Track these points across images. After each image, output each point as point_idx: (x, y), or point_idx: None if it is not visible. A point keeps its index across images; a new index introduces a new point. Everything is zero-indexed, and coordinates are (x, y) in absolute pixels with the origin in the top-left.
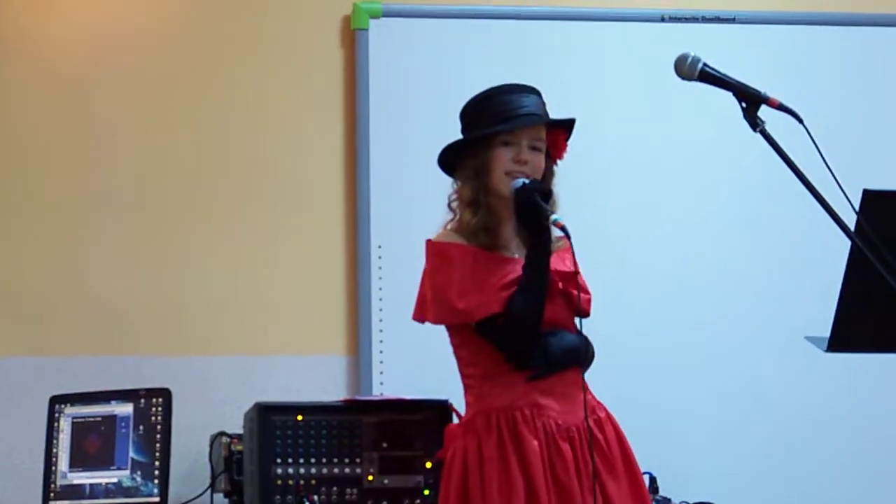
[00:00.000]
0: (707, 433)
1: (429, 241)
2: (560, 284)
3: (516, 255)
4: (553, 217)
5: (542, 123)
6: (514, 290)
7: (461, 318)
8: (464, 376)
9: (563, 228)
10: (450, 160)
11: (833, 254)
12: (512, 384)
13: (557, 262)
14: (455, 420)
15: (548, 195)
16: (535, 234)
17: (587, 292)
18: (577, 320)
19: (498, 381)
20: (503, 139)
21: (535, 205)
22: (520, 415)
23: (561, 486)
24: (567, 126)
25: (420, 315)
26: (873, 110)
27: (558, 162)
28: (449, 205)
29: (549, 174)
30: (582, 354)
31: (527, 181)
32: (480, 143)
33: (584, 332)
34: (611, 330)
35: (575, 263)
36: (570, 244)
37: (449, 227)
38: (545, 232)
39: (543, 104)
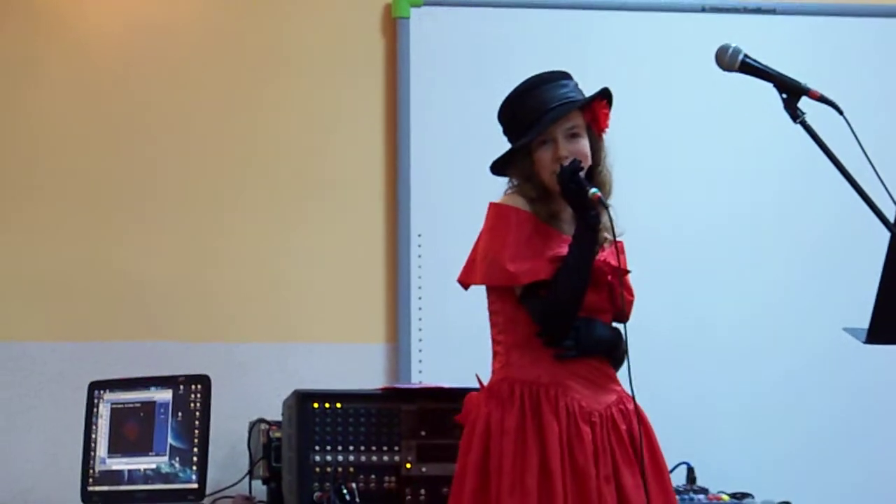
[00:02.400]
0: (745, 424)
1: (492, 203)
2: (609, 277)
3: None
4: (592, 190)
5: (570, 112)
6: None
7: (508, 280)
8: (494, 343)
9: (599, 200)
10: (498, 166)
11: (872, 246)
12: (539, 359)
13: (612, 256)
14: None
15: (588, 172)
16: (579, 213)
17: (631, 294)
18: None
19: (526, 353)
20: (541, 139)
21: (574, 184)
22: (544, 392)
23: (577, 468)
24: (601, 98)
25: (466, 276)
26: None
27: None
28: (517, 190)
29: (597, 151)
30: (613, 348)
31: (565, 164)
32: (522, 150)
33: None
34: (651, 322)
35: (621, 262)
36: (616, 245)
37: (518, 191)
38: (589, 209)
39: (573, 86)
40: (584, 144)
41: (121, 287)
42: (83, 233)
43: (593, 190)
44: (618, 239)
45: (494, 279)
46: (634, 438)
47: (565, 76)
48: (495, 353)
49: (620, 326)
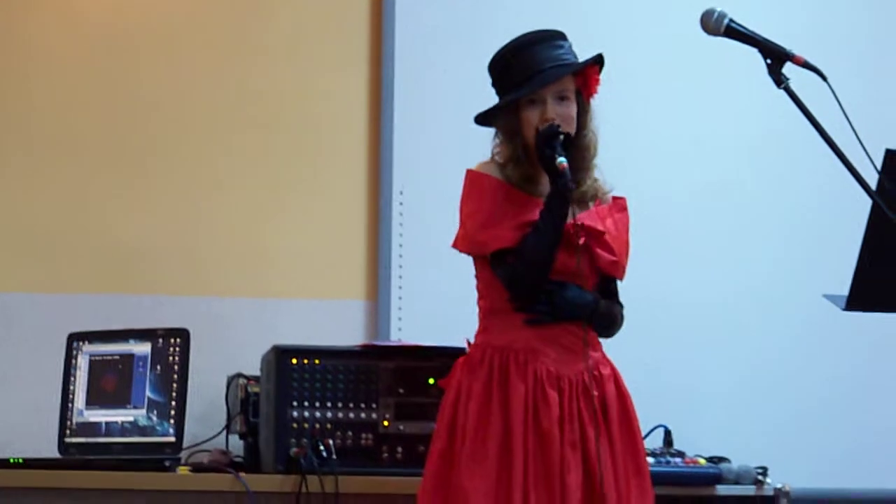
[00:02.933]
0: (723, 389)
1: (468, 170)
2: (582, 239)
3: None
4: (559, 159)
5: (563, 76)
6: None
7: (477, 249)
8: (478, 309)
9: (563, 172)
10: (484, 118)
11: (858, 217)
12: (512, 325)
13: (591, 218)
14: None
15: (566, 139)
16: (551, 178)
17: (613, 254)
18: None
19: (500, 319)
20: (528, 98)
21: (548, 148)
22: (513, 356)
23: (542, 432)
24: (594, 63)
25: (455, 242)
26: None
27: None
28: (493, 157)
29: (584, 114)
30: (589, 312)
31: (543, 127)
32: (509, 106)
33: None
34: (633, 288)
35: (616, 224)
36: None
37: (493, 159)
38: (560, 176)
39: (568, 47)
40: (572, 108)
41: (102, 240)
42: (66, 185)
43: (560, 159)
44: (617, 196)
45: (466, 247)
46: (606, 405)
47: (561, 36)
48: (478, 320)
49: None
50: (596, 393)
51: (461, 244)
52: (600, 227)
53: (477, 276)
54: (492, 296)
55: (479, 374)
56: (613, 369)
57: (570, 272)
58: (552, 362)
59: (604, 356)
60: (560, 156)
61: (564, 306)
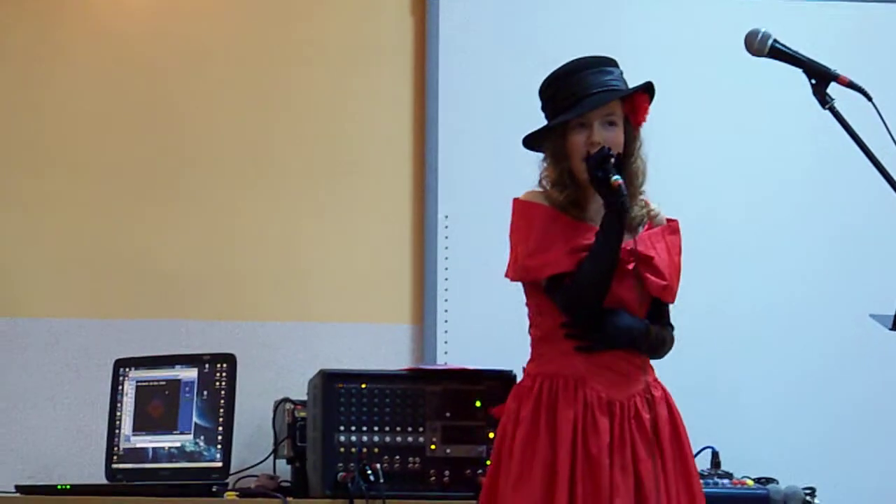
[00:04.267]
0: (770, 409)
1: (515, 199)
2: (630, 265)
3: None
4: (614, 177)
5: (610, 100)
6: (586, 254)
7: (529, 275)
8: (530, 337)
9: (620, 187)
10: (531, 140)
11: None
12: (563, 352)
13: (641, 243)
14: None
15: (618, 160)
16: (606, 200)
17: (663, 278)
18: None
19: (552, 346)
20: (577, 121)
21: (600, 170)
22: (562, 382)
23: (591, 459)
24: (643, 90)
25: (507, 272)
26: None
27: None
28: (540, 181)
29: (632, 141)
30: (640, 339)
31: (595, 150)
32: (557, 129)
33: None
34: (679, 308)
35: (668, 247)
36: (668, 228)
37: (539, 188)
38: (613, 198)
39: (618, 74)
40: (619, 134)
41: (146, 265)
42: (111, 211)
43: (615, 177)
44: (670, 218)
45: (518, 275)
46: (658, 428)
47: (612, 63)
48: (531, 348)
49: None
50: (648, 416)
51: (513, 272)
52: (650, 253)
53: (528, 304)
54: (543, 323)
55: (527, 399)
56: (665, 391)
57: (621, 298)
58: (603, 388)
59: (655, 379)
60: (614, 174)
61: (615, 333)
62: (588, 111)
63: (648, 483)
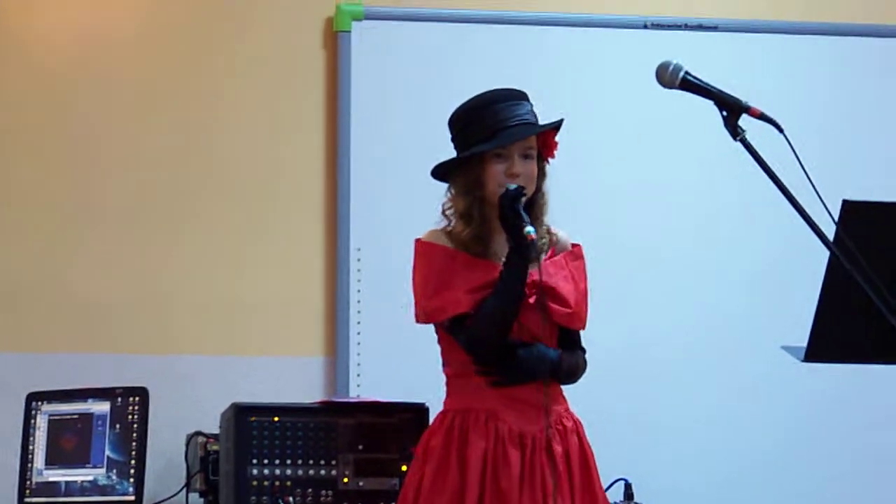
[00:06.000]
0: (684, 441)
1: (416, 240)
2: (532, 298)
3: (504, 259)
4: (527, 229)
5: (533, 134)
6: (487, 292)
7: (430, 318)
8: (444, 377)
9: (531, 242)
10: (442, 170)
11: (816, 265)
12: (477, 387)
13: (546, 270)
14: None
15: (530, 203)
16: (513, 240)
17: (568, 306)
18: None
19: (465, 383)
20: (495, 152)
21: (514, 210)
22: (473, 417)
23: (500, 493)
24: (556, 127)
25: (415, 317)
26: (854, 120)
27: (549, 161)
28: (443, 212)
29: (542, 176)
30: (553, 368)
31: (511, 187)
32: (472, 159)
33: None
34: (592, 336)
35: (572, 274)
36: (574, 255)
37: (440, 227)
38: (522, 241)
39: (530, 109)
40: (535, 167)
41: (61, 298)
42: (23, 243)
43: (529, 229)
44: (574, 243)
45: (419, 318)
46: (569, 459)
47: (525, 97)
48: (445, 388)
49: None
50: (560, 448)
51: (415, 315)
52: (551, 282)
53: (438, 343)
54: (454, 363)
55: (438, 433)
56: (576, 422)
57: (529, 330)
58: (515, 421)
59: (567, 409)
60: (528, 225)
61: (525, 367)
62: (510, 143)
63: None
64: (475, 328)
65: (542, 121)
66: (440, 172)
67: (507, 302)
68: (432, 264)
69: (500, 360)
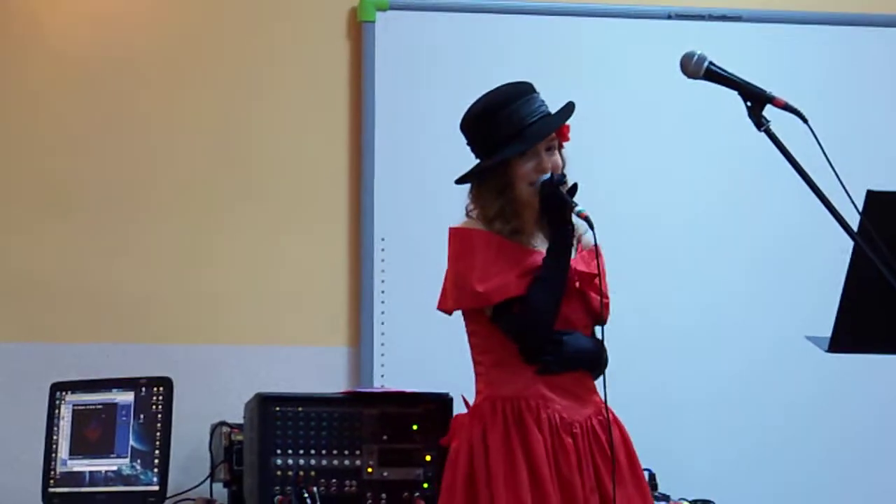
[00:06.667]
0: (706, 431)
1: (451, 228)
2: (577, 284)
3: (540, 248)
4: (577, 208)
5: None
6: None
7: (480, 302)
8: (476, 363)
9: (586, 219)
10: (469, 178)
11: (832, 254)
12: (521, 374)
13: (579, 262)
14: (465, 410)
15: (573, 188)
16: (557, 227)
17: (606, 297)
18: (596, 326)
19: (508, 370)
20: (519, 153)
21: (559, 198)
22: (525, 404)
23: (563, 479)
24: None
25: (442, 304)
26: (878, 110)
27: (564, 145)
28: (467, 214)
29: (564, 163)
30: (594, 360)
31: (550, 176)
32: (500, 163)
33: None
34: (612, 329)
35: (599, 266)
36: (596, 249)
37: (472, 216)
38: (567, 225)
39: (541, 99)
40: (559, 157)
41: (84, 289)
42: (47, 234)
43: (580, 208)
44: (594, 243)
45: (465, 302)
46: (616, 449)
47: (533, 89)
48: (478, 374)
49: (599, 330)
50: (604, 437)
51: (455, 301)
52: (593, 271)
53: (472, 332)
54: (497, 350)
55: (493, 425)
56: (615, 415)
57: (571, 319)
58: (563, 409)
59: (601, 400)
60: (576, 204)
61: (574, 354)
62: (538, 141)
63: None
64: (524, 315)
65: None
66: (465, 179)
67: (555, 288)
68: (476, 250)
69: (547, 348)
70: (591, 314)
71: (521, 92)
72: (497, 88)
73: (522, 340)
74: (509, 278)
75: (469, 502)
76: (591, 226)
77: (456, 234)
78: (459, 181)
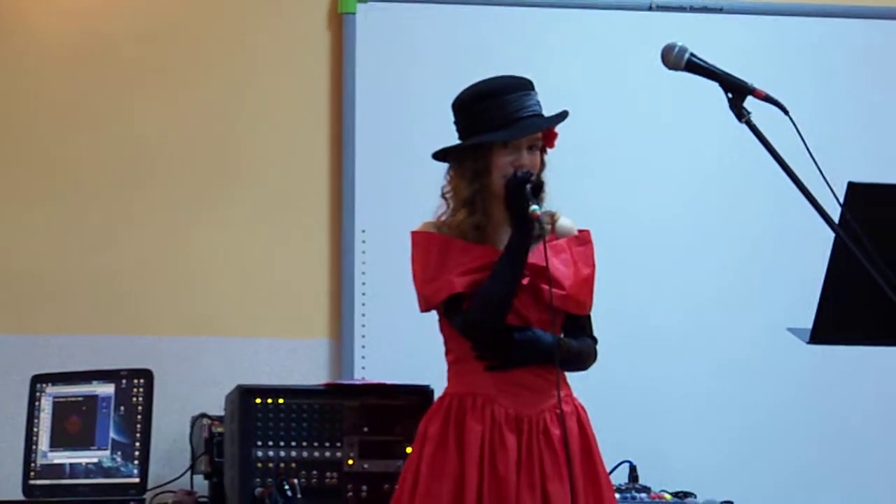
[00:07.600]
0: (688, 423)
1: (411, 233)
2: (526, 280)
3: (501, 248)
4: (532, 208)
5: (545, 128)
6: (484, 274)
7: (429, 303)
8: (446, 361)
9: (537, 220)
10: (446, 153)
11: (813, 246)
12: (473, 371)
13: (535, 255)
14: None
15: (538, 187)
16: (516, 224)
17: (561, 288)
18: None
19: (463, 367)
20: (503, 143)
21: (519, 195)
22: (470, 401)
23: (498, 477)
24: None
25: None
26: (859, 102)
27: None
28: (443, 195)
29: (543, 167)
30: (550, 353)
31: (520, 172)
32: (480, 147)
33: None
34: (594, 320)
35: (574, 258)
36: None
37: (432, 218)
38: (526, 223)
39: (537, 99)
40: (538, 158)
41: (64, 280)
42: (28, 226)
43: (534, 207)
44: (581, 229)
45: (420, 306)
46: (570, 444)
47: (532, 86)
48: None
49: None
50: (557, 431)
51: (421, 304)
52: (542, 263)
53: (441, 331)
54: (455, 348)
55: (434, 419)
56: (576, 406)
57: (523, 314)
58: (512, 405)
59: (568, 394)
60: (533, 202)
61: (523, 350)
62: (523, 136)
63: (556, 501)
64: (471, 311)
65: (544, 109)
66: (442, 154)
67: (504, 284)
68: (428, 252)
69: (496, 344)
70: (548, 307)
71: (519, 86)
72: (497, 77)
73: (469, 335)
74: (449, 277)
75: (402, 490)
76: (541, 228)
77: (412, 239)
78: (437, 155)
